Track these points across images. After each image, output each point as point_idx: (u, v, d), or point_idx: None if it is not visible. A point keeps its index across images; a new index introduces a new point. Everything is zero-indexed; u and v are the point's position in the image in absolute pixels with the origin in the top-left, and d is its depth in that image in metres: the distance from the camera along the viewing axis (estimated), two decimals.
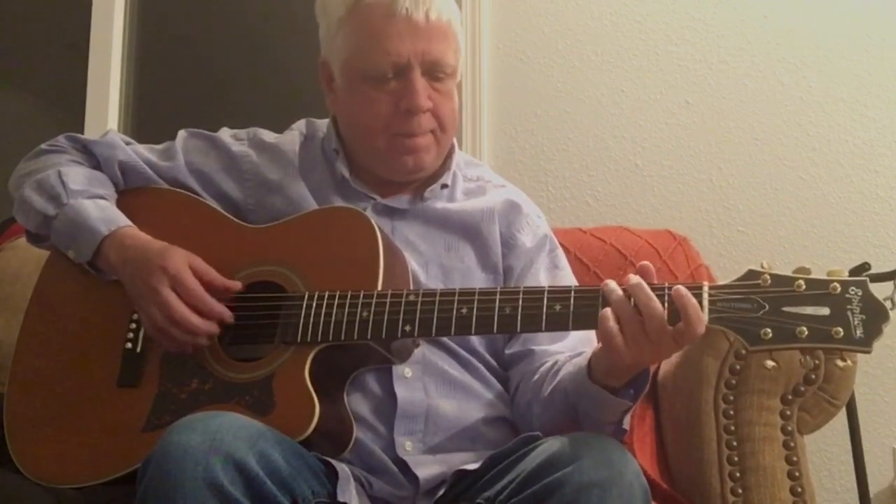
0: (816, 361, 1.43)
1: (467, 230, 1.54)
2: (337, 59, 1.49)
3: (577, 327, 1.29)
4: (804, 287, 1.18)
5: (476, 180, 1.62)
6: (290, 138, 1.61)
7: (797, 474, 1.43)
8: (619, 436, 1.35)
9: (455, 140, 1.58)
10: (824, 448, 2.08)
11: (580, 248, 1.92)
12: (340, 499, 1.26)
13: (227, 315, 1.40)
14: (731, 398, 1.44)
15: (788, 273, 1.20)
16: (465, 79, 2.32)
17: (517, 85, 2.37)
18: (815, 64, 2.22)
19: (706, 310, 1.20)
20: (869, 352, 1.15)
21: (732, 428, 1.44)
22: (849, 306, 1.16)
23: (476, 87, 2.36)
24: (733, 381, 1.44)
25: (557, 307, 1.27)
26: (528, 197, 1.66)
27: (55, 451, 1.43)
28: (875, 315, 1.15)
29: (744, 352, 1.42)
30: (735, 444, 1.44)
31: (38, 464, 1.43)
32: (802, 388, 1.44)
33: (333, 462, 1.31)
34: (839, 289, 1.16)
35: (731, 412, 1.44)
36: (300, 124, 1.65)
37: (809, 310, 1.17)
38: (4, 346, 1.70)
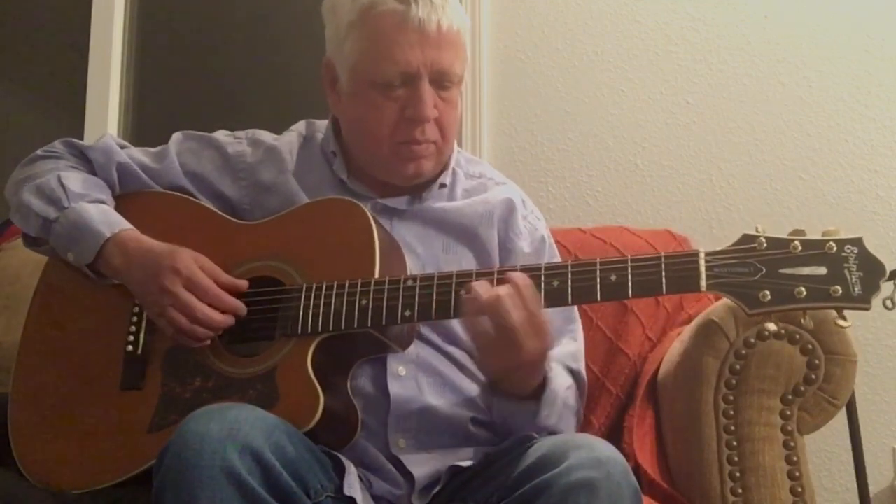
0: (817, 361, 1.43)
1: (465, 232, 1.54)
2: (344, 62, 1.49)
3: (575, 302, 1.31)
4: (800, 248, 1.19)
5: (478, 177, 1.62)
6: (289, 139, 1.61)
7: (797, 474, 1.43)
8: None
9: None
10: (824, 448, 2.08)
11: (580, 248, 1.91)
12: (347, 493, 1.27)
13: (242, 309, 1.41)
14: (731, 398, 1.44)
15: (784, 235, 1.20)
16: (465, 79, 2.32)
17: (517, 85, 2.37)
18: (815, 64, 2.22)
19: (703, 276, 1.21)
20: (868, 308, 1.16)
21: (732, 428, 1.44)
22: (845, 264, 1.17)
23: (476, 87, 2.36)
24: (733, 381, 1.44)
25: (556, 283, 1.28)
26: (526, 196, 1.65)
27: (60, 456, 1.43)
28: (872, 271, 1.16)
29: (742, 344, 1.41)
30: (735, 443, 1.44)
31: (43, 469, 1.43)
32: (802, 388, 1.44)
33: (340, 456, 1.32)
34: (835, 248, 1.17)
35: (731, 412, 1.44)
36: (300, 125, 1.65)
37: (806, 270, 1.18)
38: (5, 346, 1.70)
